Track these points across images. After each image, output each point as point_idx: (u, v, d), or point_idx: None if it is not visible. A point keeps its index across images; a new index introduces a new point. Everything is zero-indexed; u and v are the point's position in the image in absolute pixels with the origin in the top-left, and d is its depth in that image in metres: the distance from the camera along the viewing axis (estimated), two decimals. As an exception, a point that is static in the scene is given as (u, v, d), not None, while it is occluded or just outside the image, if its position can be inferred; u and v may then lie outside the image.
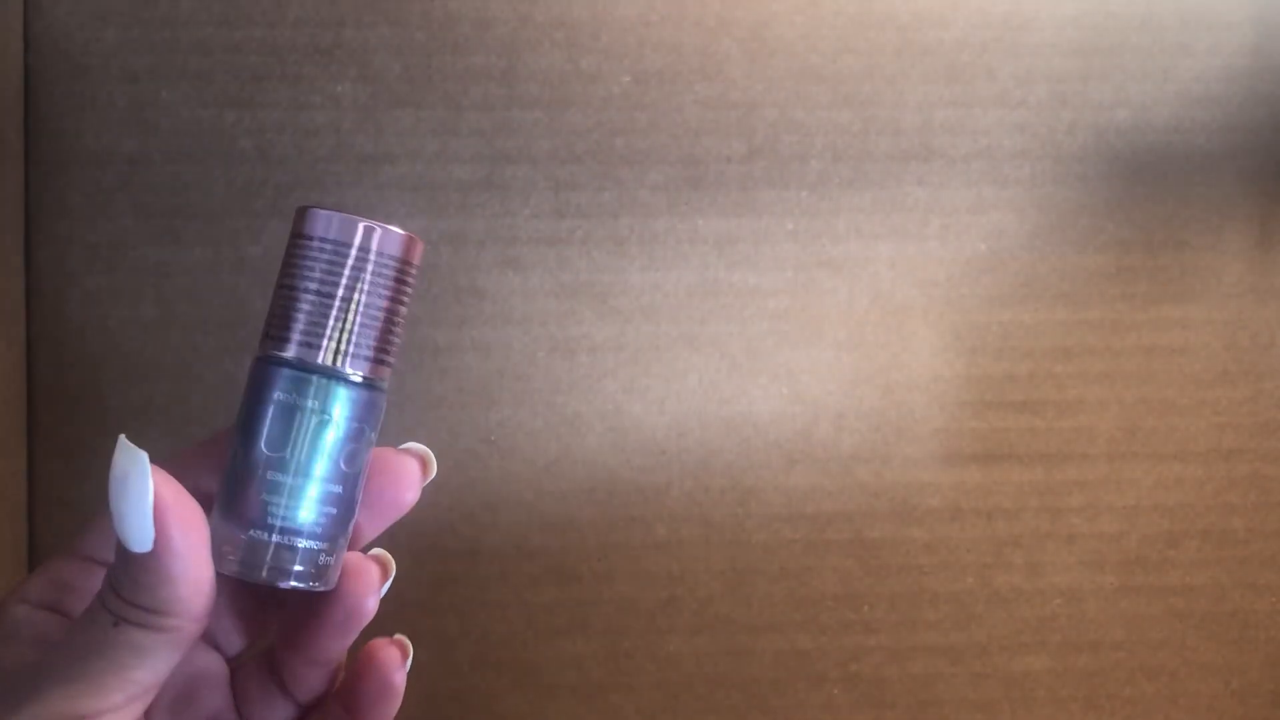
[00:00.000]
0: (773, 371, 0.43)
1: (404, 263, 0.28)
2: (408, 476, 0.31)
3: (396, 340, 0.29)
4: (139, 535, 0.26)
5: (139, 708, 0.27)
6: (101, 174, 0.41)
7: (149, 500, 0.26)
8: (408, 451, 0.31)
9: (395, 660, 0.31)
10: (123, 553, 0.26)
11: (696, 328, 0.43)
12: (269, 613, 0.32)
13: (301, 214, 0.29)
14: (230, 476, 0.28)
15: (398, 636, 0.32)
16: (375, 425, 0.29)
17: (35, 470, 0.41)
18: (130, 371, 0.41)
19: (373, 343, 0.28)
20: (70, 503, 0.42)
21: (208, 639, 0.31)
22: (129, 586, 0.26)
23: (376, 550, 0.31)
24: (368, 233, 0.28)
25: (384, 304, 0.28)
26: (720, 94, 0.42)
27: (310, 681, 0.31)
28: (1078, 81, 0.43)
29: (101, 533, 0.30)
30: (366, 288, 0.28)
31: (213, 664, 0.31)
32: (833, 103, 0.42)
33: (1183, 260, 0.44)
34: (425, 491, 0.42)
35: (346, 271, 0.28)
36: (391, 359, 0.29)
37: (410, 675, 0.43)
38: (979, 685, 0.44)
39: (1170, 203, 0.44)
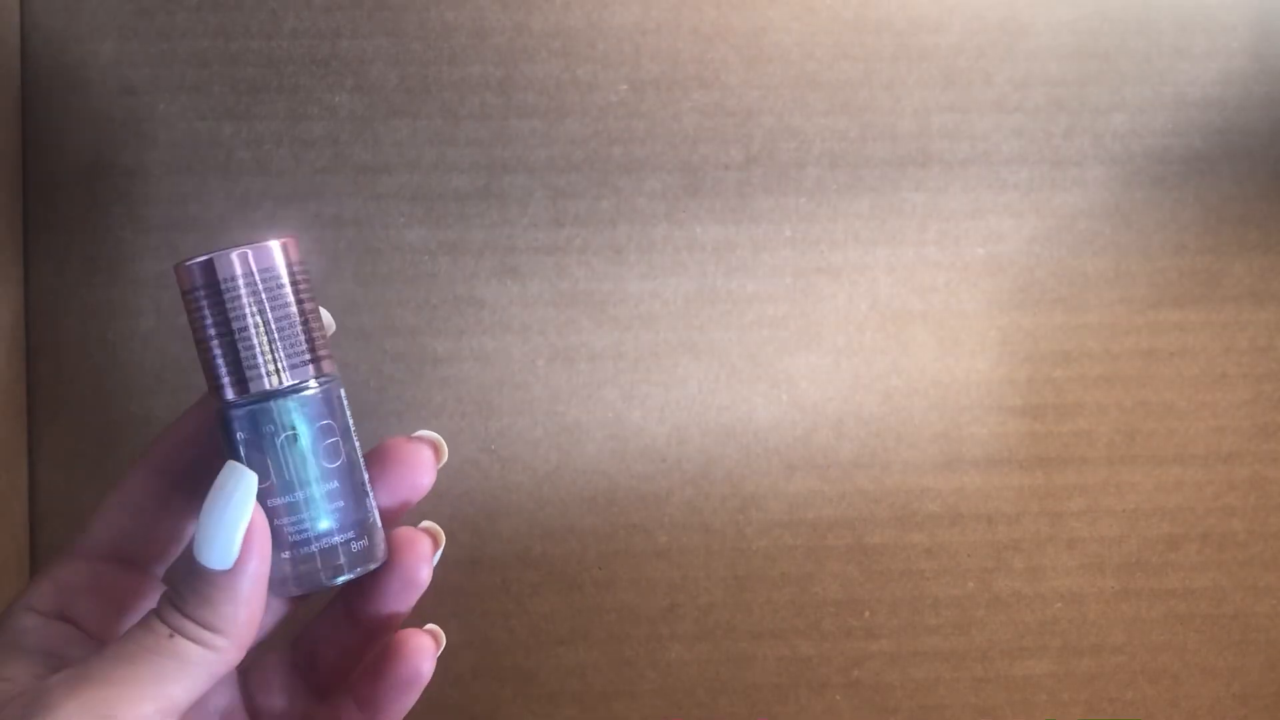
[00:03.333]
0: (772, 378, 0.43)
1: (281, 269, 0.30)
2: (422, 463, 0.32)
3: (317, 334, 0.31)
4: (225, 552, 0.27)
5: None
6: (99, 186, 0.41)
7: (246, 521, 0.27)
8: (420, 439, 0.33)
9: (428, 648, 0.32)
10: (196, 569, 0.27)
11: (695, 335, 0.43)
12: (270, 613, 0.32)
13: (176, 271, 0.30)
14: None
15: (430, 626, 0.33)
16: (337, 412, 0.30)
17: (36, 482, 0.41)
18: (130, 383, 0.41)
19: (293, 349, 0.30)
20: (71, 514, 0.42)
21: None
22: (194, 601, 0.27)
23: (427, 523, 0.33)
24: (230, 262, 0.29)
25: (286, 311, 0.30)
26: (717, 101, 0.42)
27: (336, 669, 0.32)
28: (1075, 85, 0.43)
29: (105, 530, 0.30)
30: (259, 308, 0.29)
31: None
32: (830, 109, 0.42)
33: (1181, 263, 0.44)
34: (425, 500, 0.42)
35: (231, 304, 0.29)
36: (321, 352, 0.30)
37: (412, 684, 0.43)
38: (981, 689, 0.44)
39: (1168, 206, 0.44)
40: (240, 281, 0.29)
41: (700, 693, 0.43)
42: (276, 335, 0.29)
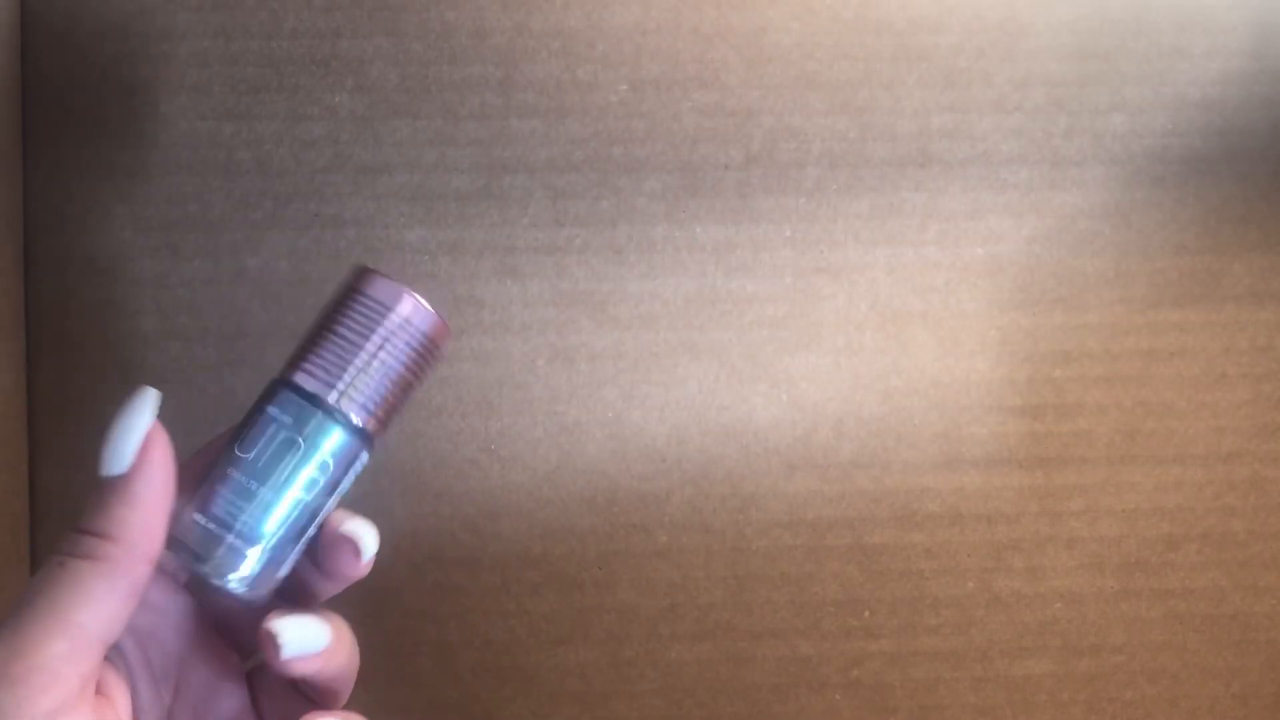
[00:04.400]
0: (772, 378, 0.43)
1: (430, 340, 0.31)
2: (346, 555, 0.31)
3: (395, 403, 0.31)
4: (120, 457, 0.28)
5: (89, 660, 0.26)
6: (100, 187, 0.41)
7: (143, 429, 0.28)
8: (343, 537, 0.31)
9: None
10: (97, 484, 0.28)
11: (695, 335, 0.43)
12: None
13: (361, 274, 0.31)
14: (212, 472, 0.30)
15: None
16: (345, 471, 0.31)
17: (36, 482, 0.41)
18: (130, 384, 0.41)
19: (373, 396, 0.30)
20: (71, 514, 0.42)
21: (229, 640, 0.32)
22: (89, 514, 0.27)
23: (353, 525, 0.31)
24: (404, 301, 0.31)
25: (398, 367, 0.31)
26: (717, 102, 0.42)
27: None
28: (1074, 86, 0.43)
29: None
30: (388, 350, 0.31)
31: (233, 667, 0.32)
32: (830, 109, 0.42)
33: (1180, 264, 0.44)
34: (426, 500, 0.43)
35: (374, 326, 0.31)
36: (384, 418, 0.31)
37: (412, 683, 0.43)
38: (980, 689, 0.44)
39: (1168, 206, 0.44)
40: (395, 319, 0.31)
41: (700, 693, 0.43)
42: (374, 377, 0.30)
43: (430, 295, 0.42)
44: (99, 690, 0.28)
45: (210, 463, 0.30)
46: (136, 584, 0.27)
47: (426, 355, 0.31)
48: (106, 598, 0.27)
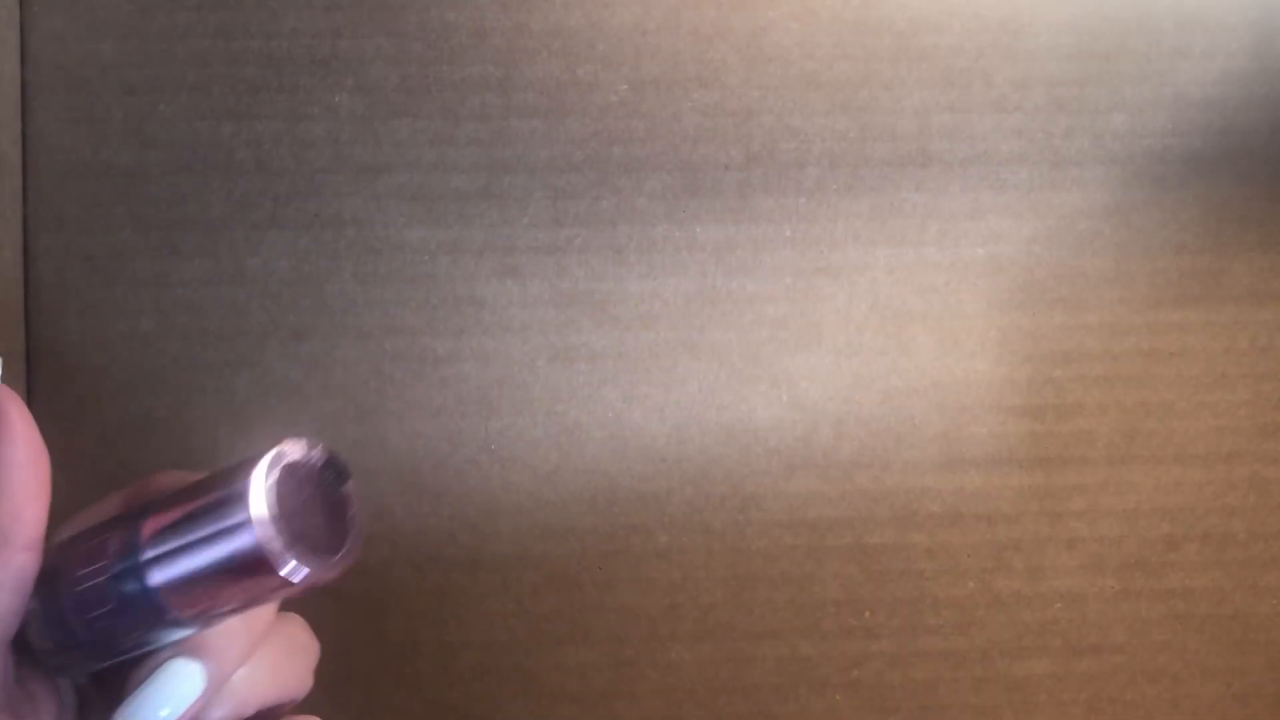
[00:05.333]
0: (772, 378, 0.43)
1: (289, 587, 0.26)
2: None
3: (223, 615, 0.27)
4: None
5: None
6: (99, 187, 0.41)
7: None
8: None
9: None
10: None
11: (695, 335, 0.43)
12: None
13: (250, 485, 0.26)
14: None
15: None
16: (151, 637, 0.27)
17: (36, 483, 0.41)
18: (130, 384, 0.41)
19: (197, 601, 0.26)
20: (71, 514, 0.41)
21: None
22: None
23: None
24: (272, 563, 0.25)
25: (236, 600, 0.26)
26: (717, 101, 0.42)
27: None
28: (1075, 85, 0.43)
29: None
30: (230, 581, 0.26)
31: None
32: (830, 109, 0.42)
33: (1181, 263, 0.44)
34: (426, 501, 0.43)
35: (223, 555, 0.26)
36: (202, 620, 0.27)
37: (412, 684, 0.43)
38: (981, 689, 0.44)
39: (1168, 206, 0.44)
40: (254, 566, 0.25)
41: (700, 693, 0.43)
42: (211, 599, 0.26)
43: (430, 295, 0.42)
44: (20, 686, 0.27)
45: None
46: (20, 573, 0.26)
47: (284, 594, 0.26)
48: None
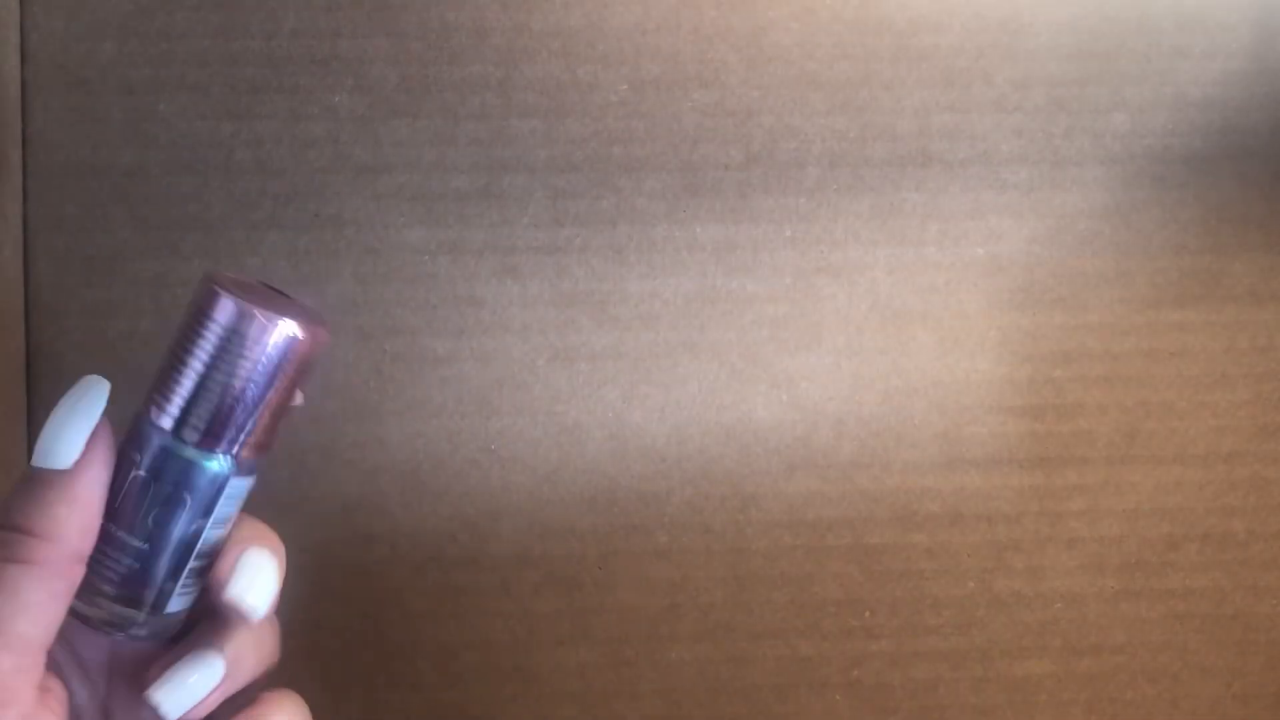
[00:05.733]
0: (772, 378, 0.43)
1: (290, 354, 0.28)
2: (235, 616, 0.29)
3: (262, 424, 0.29)
4: (68, 450, 0.26)
5: (37, 668, 0.26)
6: (99, 186, 0.41)
7: (92, 424, 0.27)
8: (231, 601, 0.29)
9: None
10: (31, 476, 0.26)
11: (696, 335, 0.43)
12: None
13: (204, 291, 0.28)
14: None
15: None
16: (214, 500, 0.29)
17: (36, 483, 0.41)
18: (130, 384, 0.41)
19: (228, 423, 0.28)
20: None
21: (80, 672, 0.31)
22: (20, 508, 0.26)
23: (237, 589, 0.29)
24: (257, 322, 0.28)
25: (256, 389, 0.28)
26: (717, 101, 0.42)
27: None
28: (1075, 85, 0.43)
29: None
30: (238, 370, 0.28)
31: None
32: (830, 109, 0.42)
33: (1181, 263, 0.44)
34: (426, 500, 0.43)
35: (223, 354, 0.28)
36: (252, 441, 0.29)
37: (412, 684, 0.43)
38: (981, 690, 0.44)
39: (1168, 206, 0.44)
40: (240, 340, 0.28)
41: (700, 693, 0.43)
42: (227, 403, 0.28)
43: (430, 295, 0.42)
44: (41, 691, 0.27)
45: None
46: (72, 585, 0.27)
47: (286, 369, 0.28)
48: (46, 603, 0.26)
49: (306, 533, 0.42)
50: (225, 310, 0.28)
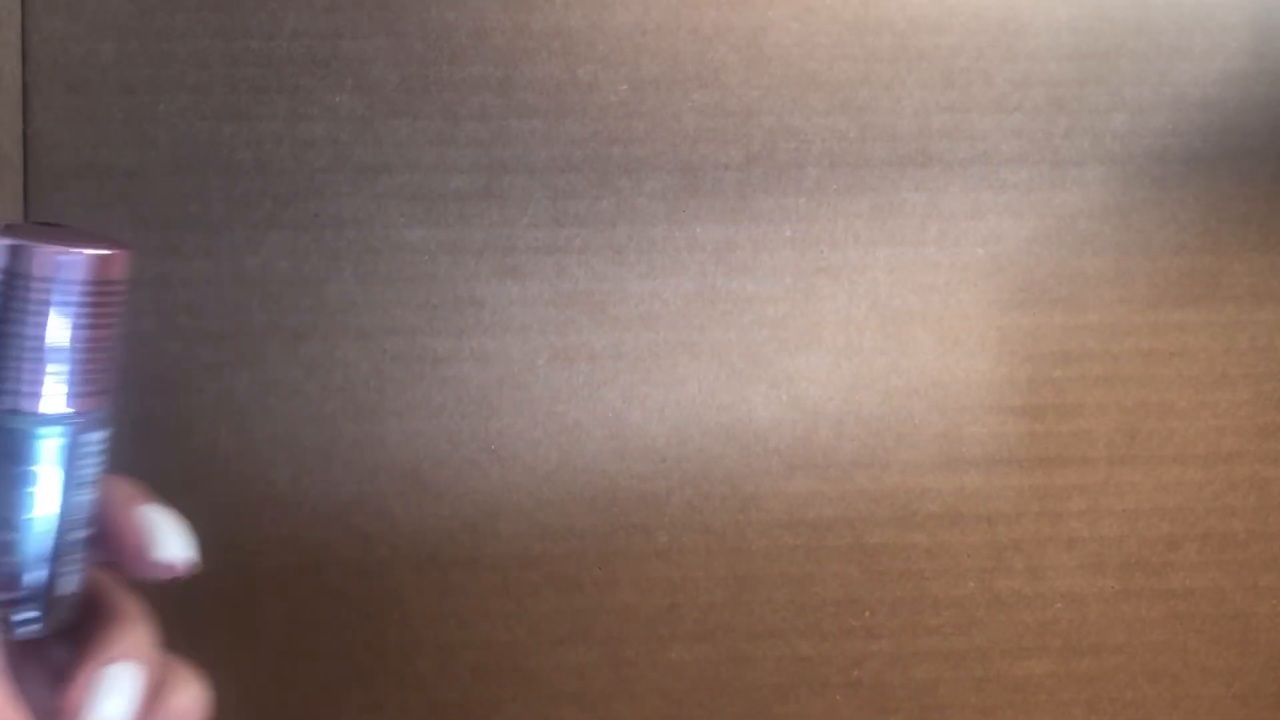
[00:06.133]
0: (772, 378, 0.43)
1: (87, 283, 0.25)
2: (143, 562, 0.28)
3: (71, 372, 0.26)
4: None
5: None
6: (100, 187, 0.41)
7: None
8: (164, 559, 0.28)
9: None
10: None
11: (695, 335, 0.43)
12: None
13: None
14: None
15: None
16: (48, 465, 0.26)
17: (36, 483, 0.41)
18: (130, 384, 0.41)
19: (20, 376, 0.25)
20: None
21: None
22: None
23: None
24: (38, 257, 0.25)
25: (61, 330, 0.25)
26: (717, 102, 0.42)
27: None
28: (1074, 85, 0.43)
29: None
30: (15, 316, 0.25)
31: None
32: (830, 109, 0.42)
33: (1181, 263, 0.44)
34: (426, 500, 0.43)
35: (10, 302, 0.25)
36: (62, 396, 0.26)
37: (412, 684, 0.43)
38: (981, 689, 0.44)
39: (1168, 206, 0.44)
40: (26, 282, 0.25)
41: (700, 693, 0.43)
42: (31, 354, 0.25)
43: (430, 295, 0.42)
44: None
45: None
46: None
47: (87, 301, 0.25)
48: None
49: (306, 533, 0.42)
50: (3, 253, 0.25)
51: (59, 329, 0.25)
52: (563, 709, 0.43)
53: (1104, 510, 0.44)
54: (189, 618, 0.40)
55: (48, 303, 0.25)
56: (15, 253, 0.25)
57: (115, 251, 0.26)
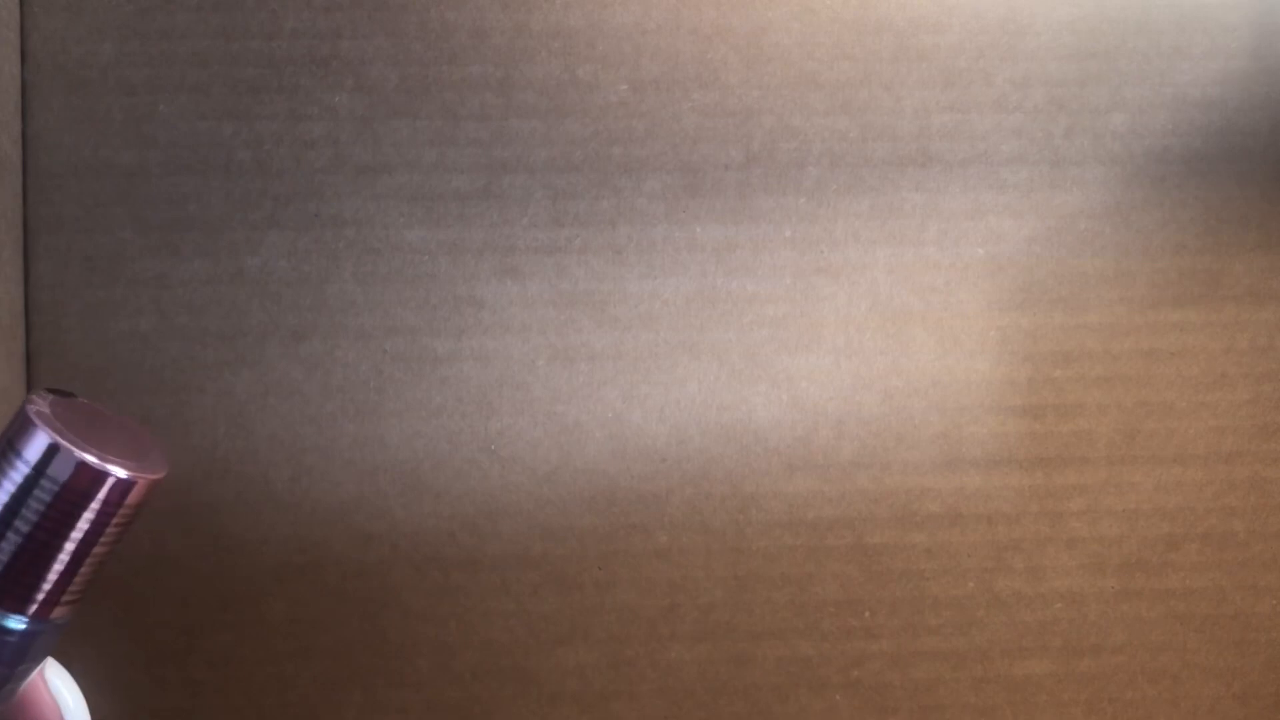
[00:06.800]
0: (772, 378, 0.43)
1: (106, 503, 0.24)
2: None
3: (63, 584, 0.24)
4: None
5: None
6: (100, 186, 0.41)
7: None
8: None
9: None
10: None
11: (695, 335, 0.43)
12: None
13: (19, 412, 0.24)
14: None
15: None
16: (4, 660, 0.25)
17: (36, 483, 0.41)
18: (129, 384, 0.41)
19: (15, 578, 0.24)
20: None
21: None
22: None
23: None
24: (65, 464, 0.23)
25: (55, 543, 0.24)
26: (717, 101, 0.42)
27: None
28: (1075, 85, 0.43)
29: None
30: (30, 516, 0.23)
31: None
32: (830, 109, 0.42)
33: (1181, 263, 0.44)
34: (426, 500, 0.43)
35: (14, 491, 0.23)
36: (44, 604, 0.24)
37: (412, 684, 0.43)
38: (981, 690, 0.44)
39: (1168, 206, 0.44)
40: (46, 484, 0.23)
41: (700, 693, 0.43)
42: (28, 560, 0.24)
43: (430, 295, 0.42)
44: None
45: None
46: None
47: (109, 520, 0.24)
48: None
49: (306, 533, 0.42)
50: (37, 445, 0.23)
51: (74, 544, 0.24)
52: (563, 709, 0.43)
53: (1104, 510, 0.44)
54: (189, 617, 0.41)
55: (74, 516, 0.23)
56: (52, 455, 0.23)
57: (155, 477, 0.24)
